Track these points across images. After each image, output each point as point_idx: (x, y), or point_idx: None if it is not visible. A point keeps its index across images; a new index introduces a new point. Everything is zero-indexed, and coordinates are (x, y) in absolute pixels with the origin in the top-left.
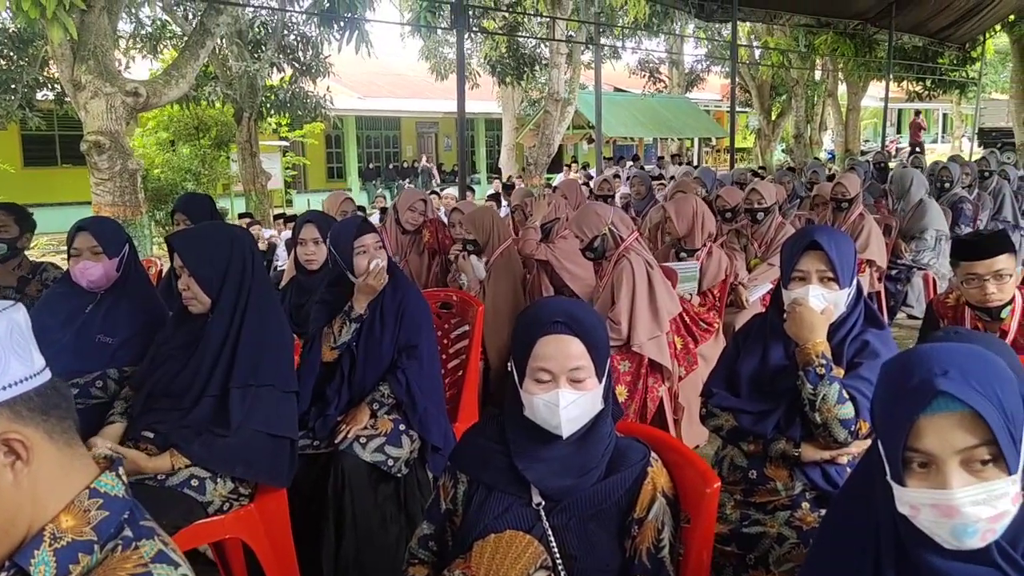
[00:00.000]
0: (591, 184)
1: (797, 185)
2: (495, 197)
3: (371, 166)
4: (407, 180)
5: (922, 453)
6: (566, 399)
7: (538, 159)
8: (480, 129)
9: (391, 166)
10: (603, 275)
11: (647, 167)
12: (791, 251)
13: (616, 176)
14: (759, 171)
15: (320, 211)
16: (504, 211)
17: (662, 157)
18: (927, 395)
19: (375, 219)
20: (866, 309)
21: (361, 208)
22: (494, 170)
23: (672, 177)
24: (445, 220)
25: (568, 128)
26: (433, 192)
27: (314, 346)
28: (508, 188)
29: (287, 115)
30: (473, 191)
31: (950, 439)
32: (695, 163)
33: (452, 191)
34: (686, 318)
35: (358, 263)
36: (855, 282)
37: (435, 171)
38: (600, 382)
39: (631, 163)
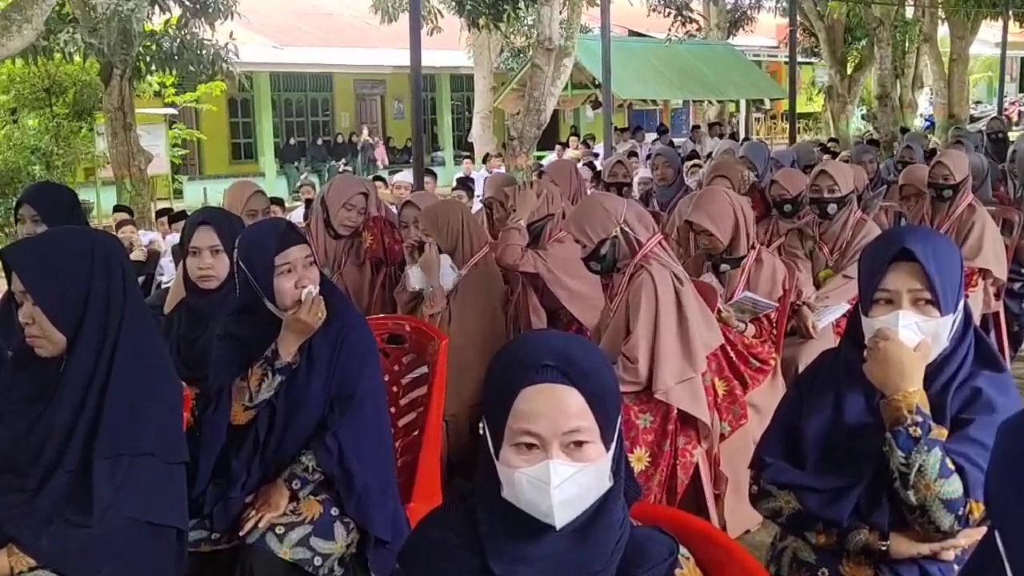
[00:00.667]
0: (597, 166)
1: (882, 166)
2: (465, 184)
3: (292, 142)
4: (342, 162)
5: None
6: (560, 474)
7: (524, 131)
8: (443, 89)
9: (319, 142)
10: (614, 293)
11: (676, 142)
12: (873, 262)
13: (632, 155)
14: (829, 146)
15: (219, 208)
16: (477, 205)
17: (696, 127)
18: None
19: (298, 216)
20: (978, 343)
21: (278, 202)
22: (463, 146)
23: (709, 155)
24: (395, 218)
25: (566, 88)
26: (378, 179)
27: (220, 405)
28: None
29: (174, 72)
30: (435, 176)
31: None
32: (741, 135)
33: (405, 176)
34: (731, 353)
35: (281, 287)
36: (962, 305)
37: (381, 148)
38: (608, 448)
39: (654, 136)
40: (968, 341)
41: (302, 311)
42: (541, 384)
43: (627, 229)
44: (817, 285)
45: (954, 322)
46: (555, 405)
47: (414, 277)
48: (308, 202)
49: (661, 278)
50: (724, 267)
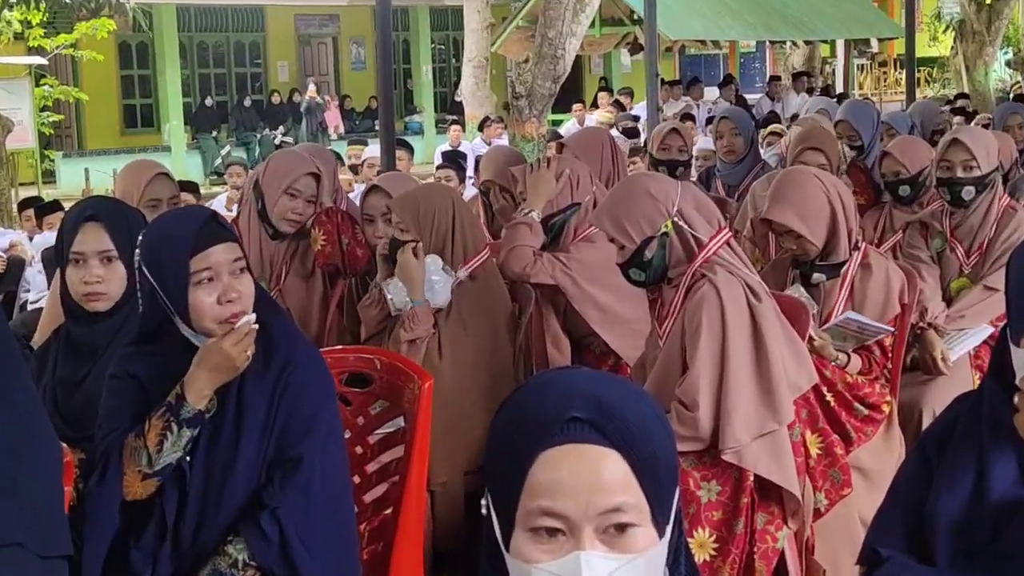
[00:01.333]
0: (640, 136)
1: None
2: (453, 161)
3: (209, 103)
4: (279, 131)
5: None
6: (596, 570)
7: (535, 86)
8: (421, 29)
9: (247, 103)
10: (664, 314)
11: (748, 99)
12: None
13: (688, 118)
14: (961, 104)
15: (110, 198)
16: (470, 191)
17: (776, 79)
18: None
19: (219, 207)
20: None
21: (190, 188)
22: (450, 108)
23: (794, 118)
24: (357, 211)
25: (593, 25)
26: (332, 154)
27: (109, 471)
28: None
29: (42, 5)
30: (410, 150)
31: None
32: (838, 90)
33: (370, 151)
34: (828, 396)
35: (198, 302)
36: None
37: (334, 111)
38: (662, 534)
39: (716, 93)
40: None
41: (228, 342)
42: (567, 445)
43: (682, 224)
44: (948, 299)
45: None
46: (588, 474)
47: (396, 294)
48: (236, 189)
49: (730, 292)
50: (818, 277)
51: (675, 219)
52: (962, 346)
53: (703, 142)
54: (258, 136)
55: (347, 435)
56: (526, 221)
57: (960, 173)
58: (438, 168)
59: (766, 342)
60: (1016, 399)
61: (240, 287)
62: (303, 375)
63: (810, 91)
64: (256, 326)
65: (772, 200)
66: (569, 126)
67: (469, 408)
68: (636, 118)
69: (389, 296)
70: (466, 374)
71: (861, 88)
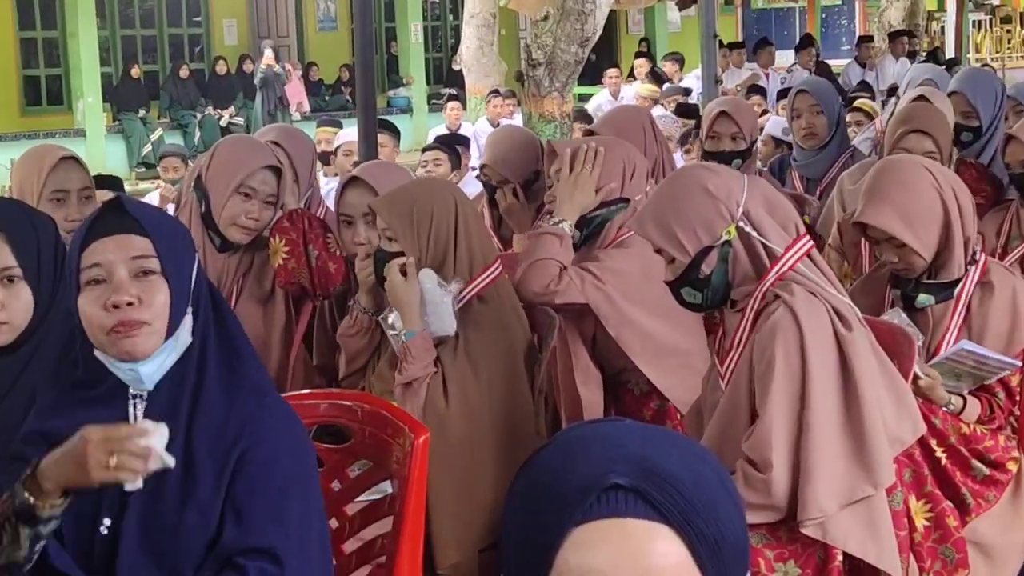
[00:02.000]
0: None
1: None
2: (450, 147)
3: (135, 74)
4: (228, 111)
5: None
6: None
7: (556, 51)
8: None
9: (185, 73)
10: (727, 346)
11: (832, 66)
12: None
13: (755, 91)
14: None
15: (8, 199)
16: (472, 184)
17: (867, 40)
18: None
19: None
20: None
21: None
22: (446, 79)
23: (891, 91)
24: (331, 215)
25: None
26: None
27: None
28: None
29: None
30: (395, 133)
31: None
32: (948, 53)
33: (344, 135)
34: (939, 451)
35: (83, 311)
36: None
37: (297, 83)
38: None
39: (792, 57)
40: None
41: (94, 432)
42: (607, 520)
43: (749, 229)
44: None
45: None
46: (633, 558)
47: (394, 329)
48: (172, 184)
49: (811, 317)
50: (925, 299)
51: (740, 223)
52: None
53: (773, 123)
54: (198, 116)
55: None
56: (555, 232)
57: None
58: (425, 151)
59: (858, 383)
60: None
61: (140, 291)
62: (266, 444)
63: (912, 55)
64: (160, 449)
65: (868, 198)
66: (600, 101)
67: (482, 466)
68: (687, 91)
69: (394, 331)
70: (478, 424)
71: (978, 51)
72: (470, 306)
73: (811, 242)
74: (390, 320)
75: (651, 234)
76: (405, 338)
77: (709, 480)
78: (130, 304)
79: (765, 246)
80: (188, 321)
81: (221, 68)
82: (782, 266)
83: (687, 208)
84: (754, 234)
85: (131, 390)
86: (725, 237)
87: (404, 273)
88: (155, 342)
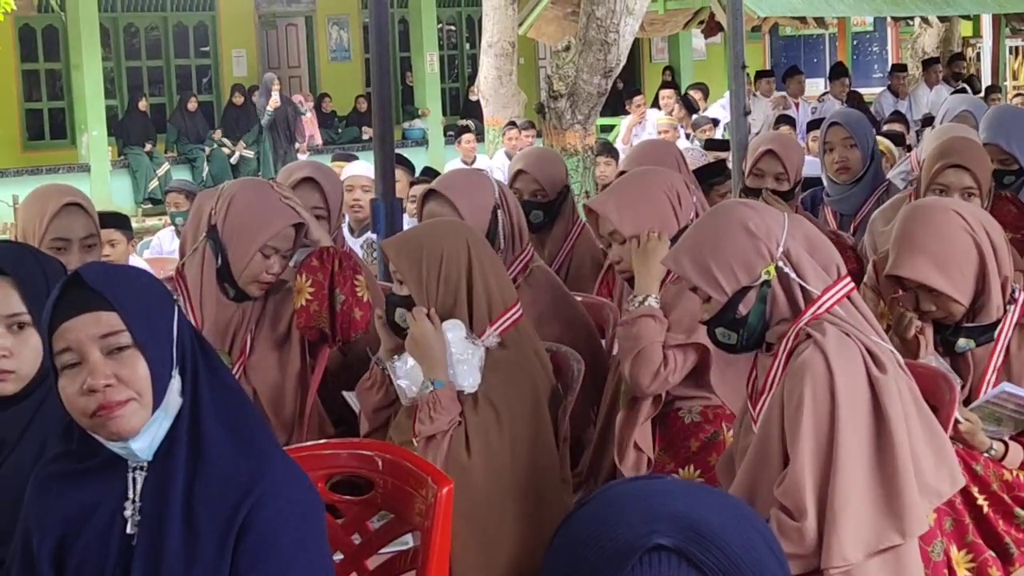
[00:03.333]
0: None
1: None
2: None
3: (142, 107)
4: (239, 145)
5: None
6: None
7: (578, 81)
8: (424, 3)
9: (192, 106)
10: (761, 387)
11: (865, 94)
12: None
13: (785, 121)
14: None
15: (17, 244)
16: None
17: (900, 68)
18: None
19: (168, 246)
20: None
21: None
22: (463, 108)
23: (927, 119)
24: (355, 249)
25: (655, 0)
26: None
27: None
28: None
29: None
30: (410, 167)
31: None
32: (985, 81)
33: (352, 168)
34: (980, 499)
35: (63, 396)
36: None
37: (310, 115)
38: None
39: (822, 85)
40: None
41: None
42: None
43: (788, 270)
44: None
45: None
46: None
47: (409, 376)
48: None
49: (842, 357)
50: (964, 343)
51: (779, 263)
52: None
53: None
54: (207, 151)
55: (338, 558)
56: (648, 312)
57: None
58: (413, 184)
59: (891, 427)
60: None
61: (116, 369)
62: (275, 505)
63: (949, 82)
64: None
65: (900, 248)
66: (624, 133)
67: (507, 518)
68: (716, 122)
69: (398, 379)
70: (502, 475)
71: (1015, 79)
72: (490, 351)
73: (852, 284)
74: (396, 369)
75: (688, 271)
76: (435, 386)
77: (754, 540)
78: (108, 386)
79: (803, 288)
80: (176, 383)
81: (232, 100)
82: (818, 307)
83: (726, 246)
84: (793, 275)
85: (130, 462)
86: (764, 277)
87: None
88: (143, 416)
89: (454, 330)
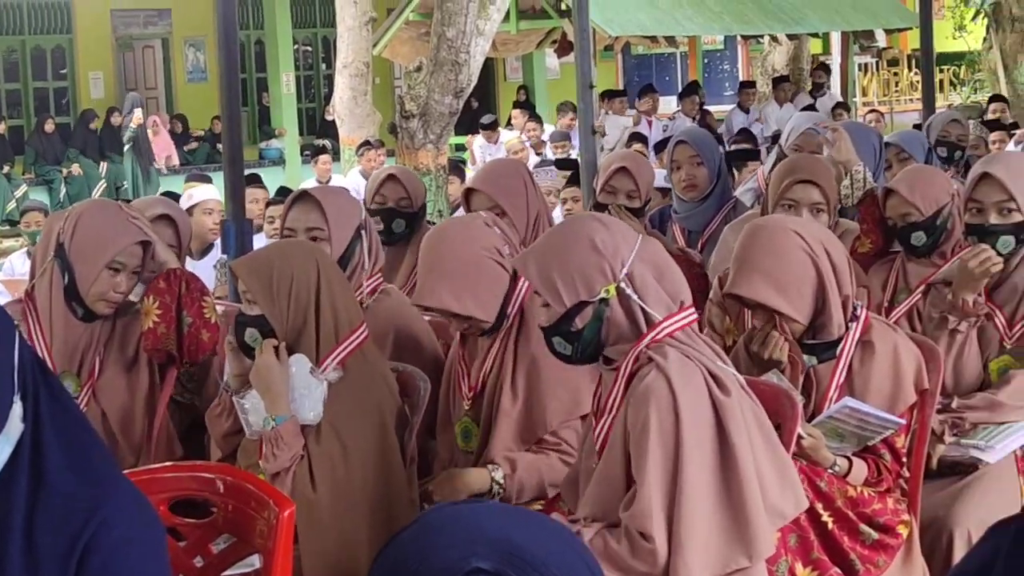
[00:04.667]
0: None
1: None
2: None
3: (0, 129)
4: (103, 165)
5: None
6: None
7: (430, 100)
8: (279, 25)
9: (50, 127)
10: (604, 406)
11: (715, 112)
12: None
13: (637, 139)
14: (994, 112)
15: None
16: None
17: (749, 85)
18: None
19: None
20: None
21: None
22: (319, 128)
23: (774, 137)
24: (195, 271)
25: (507, 19)
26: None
27: None
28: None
29: None
30: (262, 188)
31: None
32: (838, 98)
33: (202, 191)
34: (824, 515)
35: None
36: None
37: (165, 136)
38: None
39: (675, 103)
40: None
41: None
42: None
43: (630, 292)
44: (985, 383)
45: None
46: None
47: (255, 411)
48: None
49: (685, 381)
50: (806, 360)
51: (621, 284)
52: (1005, 443)
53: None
54: (64, 172)
55: None
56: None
57: (995, 219)
58: (268, 205)
59: (736, 451)
60: None
61: None
62: (116, 530)
63: (818, 88)
64: None
65: (739, 267)
66: (480, 152)
67: (357, 545)
68: (568, 137)
69: (244, 414)
70: (349, 504)
71: (865, 95)
72: (337, 379)
73: (695, 316)
74: (244, 403)
75: (531, 276)
76: (276, 423)
77: (574, 563)
78: None
79: (644, 311)
80: (17, 409)
81: (88, 123)
82: (659, 332)
83: (570, 259)
84: (634, 297)
85: None
86: (603, 295)
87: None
88: None
89: (299, 364)
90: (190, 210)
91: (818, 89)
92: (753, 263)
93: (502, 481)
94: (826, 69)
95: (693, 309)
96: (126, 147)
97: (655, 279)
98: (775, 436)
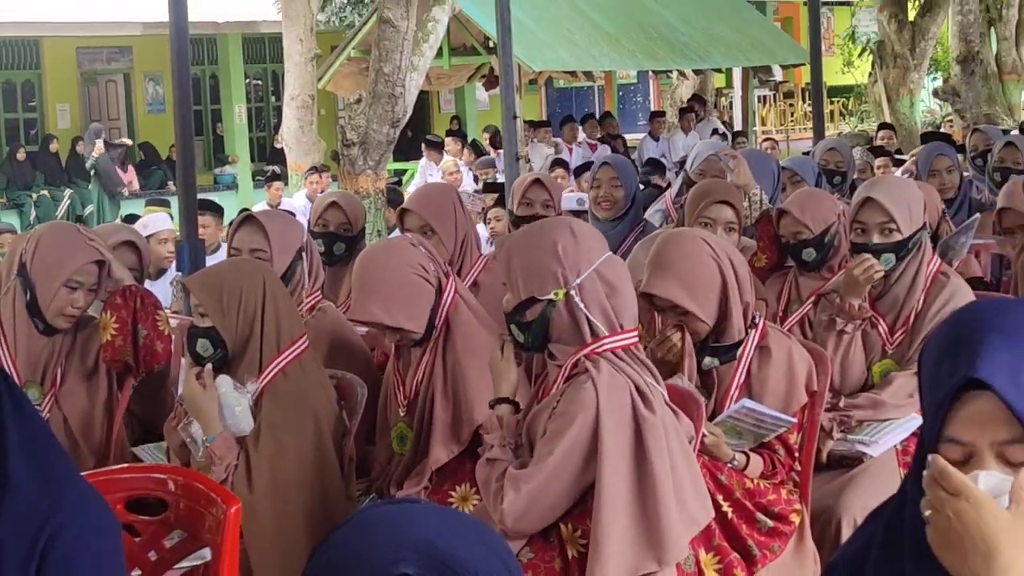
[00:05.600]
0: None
1: (966, 182)
2: (213, 210)
3: None
4: (67, 192)
5: None
6: None
7: (370, 130)
8: (232, 61)
9: (21, 155)
10: (545, 389)
11: (629, 140)
12: (935, 380)
13: (559, 164)
14: (881, 139)
15: None
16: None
17: (659, 115)
18: None
19: None
20: None
21: None
22: (269, 155)
23: (682, 162)
24: (153, 290)
25: (440, 55)
26: (130, 218)
27: None
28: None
29: None
30: (219, 211)
31: None
32: (736, 127)
33: (155, 220)
34: (725, 506)
35: None
36: None
37: (124, 161)
38: None
39: (597, 132)
40: None
41: None
42: None
43: (578, 300)
44: (866, 386)
45: None
46: None
47: (198, 434)
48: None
49: (611, 394)
50: (709, 362)
51: (571, 292)
52: (887, 438)
53: (566, 199)
54: (33, 197)
55: (137, 574)
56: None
57: (877, 238)
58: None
59: (653, 464)
60: (926, 514)
61: None
62: (74, 530)
63: (696, 125)
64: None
65: (652, 270)
66: (419, 178)
67: (298, 543)
68: (493, 164)
69: (192, 440)
70: (288, 505)
71: (764, 124)
72: (275, 384)
73: (636, 338)
74: (193, 430)
75: (500, 260)
76: (208, 441)
77: (494, 568)
78: None
79: (589, 321)
80: None
81: (54, 150)
82: (600, 345)
83: (532, 256)
84: (581, 307)
85: None
86: (551, 297)
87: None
88: None
89: (223, 384)
90: (147, 238)
91: (697, 118)
92: (666, 266)
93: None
94: (701, 100)
95: (636, 332)
96: (92, 175)
97: (606, 295)
98: (692, 452)
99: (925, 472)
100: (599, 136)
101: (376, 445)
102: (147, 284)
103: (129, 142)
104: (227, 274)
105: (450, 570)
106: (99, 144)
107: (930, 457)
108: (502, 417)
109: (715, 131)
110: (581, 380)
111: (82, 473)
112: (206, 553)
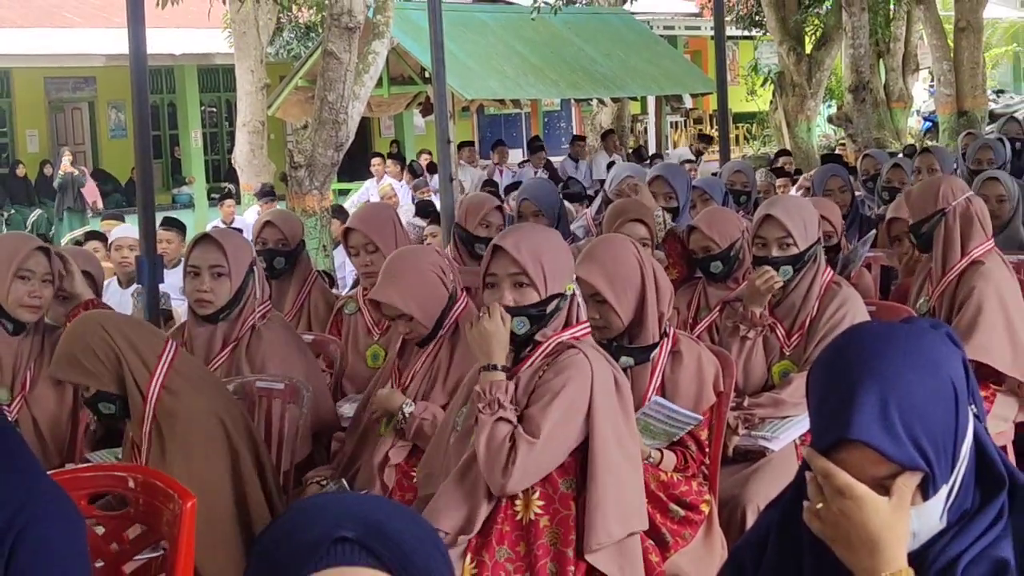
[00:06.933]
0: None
1: (858, 200)
2: (177, 227)
3: None
4: (36, 212)
5: None
6: None
7: (315, 153)
8: (188, 90)
9: None
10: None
11: (554, 161)
12: (821, 399)
13: (489, 185)
14: (783, 163)
15: None
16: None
17: (579, 139)
18: None
19: None
20: (988, 476)
21: None
22: (224, 175)
23: (603, 182)
24: (126, 298)
25: (380, 84)
26: (93, 235)
27: None
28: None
29: None
30: (182, 228)
31: None
32: (652, 149)
33: (120, 230)
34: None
35: None
36: (965, 452)
37: (91, 182)
38: None
39: (521, 155)
40: (964, 481)
41: None
42: (335, 568)
43: (577, 292)
44: (767, 386)
45: (952, 488)
46: None
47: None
48: None
49: (599, 365)
50: (625, 361)
51: (574, 285)
52: (787, 434)
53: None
54: (4, 216)
55: (99, 565)
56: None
57: (776, 252)
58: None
59: (634, 432)
60: (815, 507)
61: None
62: (41, 525)
63: (615, 152)
64: None
65: (582, 259)
66: (357, 197)
67: (229, 537)
68: (425, 183)
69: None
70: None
71: (676, 147)
72: (161, 401)
73: (589, 328)
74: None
75: (524, 259)
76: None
77: (424, 539)
78: None
79: (579, 309)
80: None
81: (22, 172)
82: (578, 330)
83: (557, 256)
84: (579, 297)
85: None
86: (565, 292)
87: None
88: None
89: None
90: (110, 246)
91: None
92: (594, 258)
93: (408, 412)
94: (579, 138)
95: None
96: (58, 193)
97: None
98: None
99: (808, 473)
100: (543, 165)
101: (345, 440)
102: (117, 293)
103: (87, 170)
104: (74, 342)
105: (388, 538)
106: (65, 161)
107: (815, 459)
108: (500, 382)
109: (654, 155)
110: (571, 352)
111: (48, 472)
112: (163, 545)
